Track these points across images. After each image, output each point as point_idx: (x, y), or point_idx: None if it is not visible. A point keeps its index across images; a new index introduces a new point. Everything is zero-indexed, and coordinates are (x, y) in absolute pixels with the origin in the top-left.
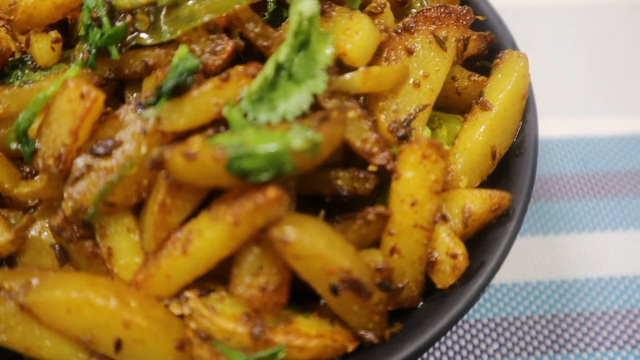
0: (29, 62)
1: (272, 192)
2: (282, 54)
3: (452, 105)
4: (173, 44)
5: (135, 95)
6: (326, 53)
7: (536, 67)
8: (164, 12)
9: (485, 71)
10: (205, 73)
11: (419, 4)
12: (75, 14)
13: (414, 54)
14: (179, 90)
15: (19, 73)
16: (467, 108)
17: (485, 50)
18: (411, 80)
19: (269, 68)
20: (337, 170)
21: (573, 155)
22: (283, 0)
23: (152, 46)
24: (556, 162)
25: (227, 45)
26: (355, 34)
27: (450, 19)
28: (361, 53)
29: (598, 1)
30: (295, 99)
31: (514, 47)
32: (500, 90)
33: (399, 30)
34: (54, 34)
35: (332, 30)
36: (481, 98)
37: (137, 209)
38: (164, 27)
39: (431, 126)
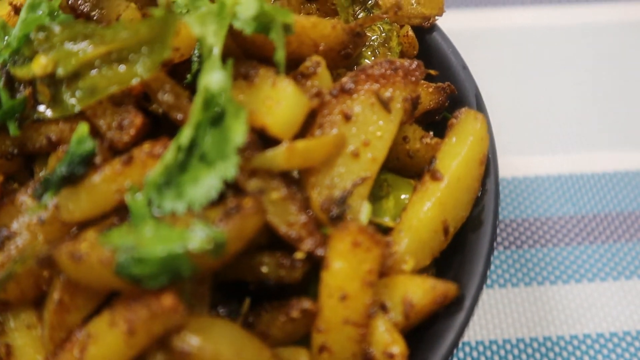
0: None
1: (168, 300)
2: (184, 136)
3: (405, 168)
4: (79, 116)
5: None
6: (240, 131)
7: (521, 97)
8: (65, 84)
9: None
10: (113, 150)
11: (370, 52)
12: None
13: (353, 119)
14: (71, 179)
15: None
16: (421, 171)
17: (445, 102)
18: (350, 149)
19: (169, 153)
20: (261, 255)
21: (561, 194)
22: None
23: (56, 120)
24: (542, 203)
25: (135, 119)
26: (276, 104)
27: (396, 75)
28: (283, 126)
29: (588, 20)
30: (204, 185)
31: (478, 97)
32: (453, 156)
33: (335, 93)
34: None
35: (254, 97)
36: (432, 165)
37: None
38: (66, 100)
39: (379, 194)
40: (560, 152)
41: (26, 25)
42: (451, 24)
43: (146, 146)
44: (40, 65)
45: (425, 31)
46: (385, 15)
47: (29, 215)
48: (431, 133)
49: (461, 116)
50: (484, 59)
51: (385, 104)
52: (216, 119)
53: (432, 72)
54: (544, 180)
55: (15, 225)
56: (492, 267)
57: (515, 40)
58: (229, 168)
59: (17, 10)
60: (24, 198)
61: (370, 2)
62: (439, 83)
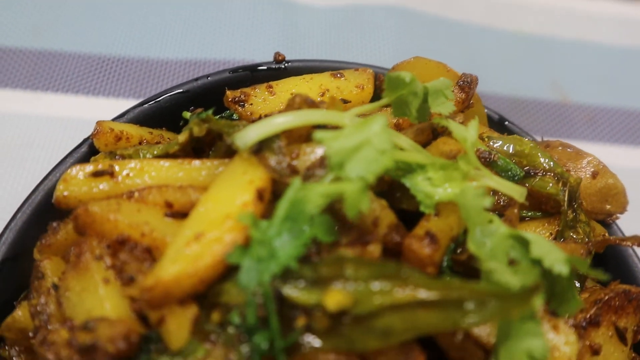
0: (154, 341)
1: None
2: None
3: None
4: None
5: None
6: None
7: None
8: (352, 319)
9: None
10: None
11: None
12: None
13: (601, 354)
14: None
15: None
16: None
17: None
18: None
19: None
20: None
21: None
22: None
23: (325, 350)
24: None
25: (419, 359)
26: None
27: (630, 306)
28: None
29: None
30: None
31: None
32: None
33: (584, 325)
34: (192, 311)
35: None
36: None
37: None
38: (348, 335)
39: None
40: None
41: (296, 246)
42: None
43: None
44: (336, 301)
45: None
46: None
47: None
48: None
49: None
50: None
51: (622, 336)
52: None
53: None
54: None
55: None
56: None
57: None
58: None
59: (261, 196)
60: None
61: (574, 203)
62: None
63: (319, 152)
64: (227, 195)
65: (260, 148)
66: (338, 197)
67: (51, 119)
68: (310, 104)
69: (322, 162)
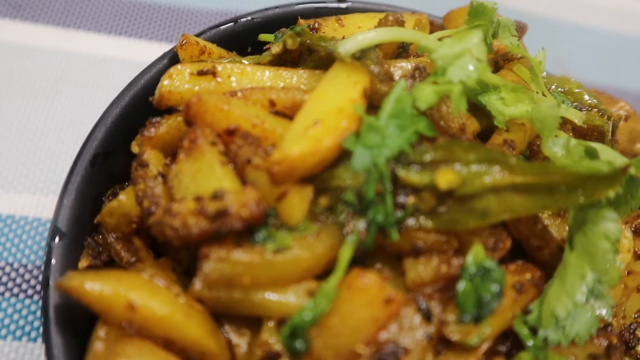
0: (272, 218)
1: None
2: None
3: None
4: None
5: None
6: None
7: None
8: (454, 199)
9: None
10: None
11: None
12: None
13: None
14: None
15: (264, 232)
16: None
17: None
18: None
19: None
20: None
21: None
22: None
23: (427, 229)
24: None
25: (506, 242)
26: None
27: None
28: None
29: None
30: (584, 323)
31: None
32: None
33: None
34: (310, 189)
35: None
36: None
37: None
38: (450, 216)
39: None
40: None
41: (405, 137)
42: None
43: (527, 275)
44: (447, 180)
45: None
46: None
47: (417, 330)
48: None
49: None
50: None
51: None
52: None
53: None
54: None
55: (403, 341)
56: None
57: None
58: (604, 308)
59: (366, 94)
60: (410, 313)
61: (613, 138)
62: None
63: (407, 65)
64: (336, 92)
65: (360, 57)
66: (445, 95)
67: (83, 56)
68: (401, 22)
69: (412, 74)
